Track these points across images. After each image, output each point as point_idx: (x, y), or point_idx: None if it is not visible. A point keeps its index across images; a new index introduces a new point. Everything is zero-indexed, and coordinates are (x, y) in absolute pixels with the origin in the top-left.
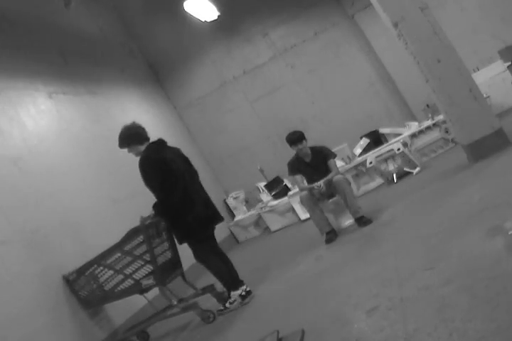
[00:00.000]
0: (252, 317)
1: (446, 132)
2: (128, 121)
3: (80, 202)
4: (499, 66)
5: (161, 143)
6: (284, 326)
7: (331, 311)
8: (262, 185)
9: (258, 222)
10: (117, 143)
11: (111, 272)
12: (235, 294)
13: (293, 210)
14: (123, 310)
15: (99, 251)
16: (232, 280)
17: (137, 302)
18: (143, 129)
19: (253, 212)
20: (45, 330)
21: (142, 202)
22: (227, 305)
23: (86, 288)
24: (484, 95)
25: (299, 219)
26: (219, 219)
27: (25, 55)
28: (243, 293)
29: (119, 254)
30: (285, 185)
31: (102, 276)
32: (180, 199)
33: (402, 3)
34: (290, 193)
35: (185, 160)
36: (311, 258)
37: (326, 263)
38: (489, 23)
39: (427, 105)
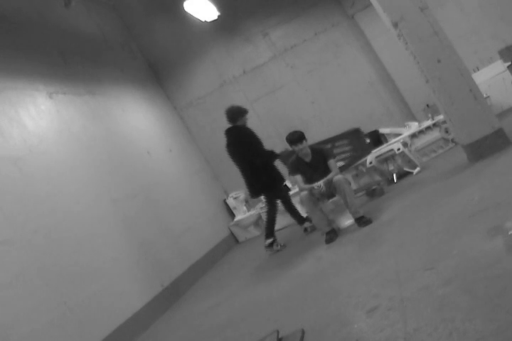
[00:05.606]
0: (252, 317)
1: (446, 132)
2: (128, 120)
3: (79, 202)
4: (499, 66)
5: None
6: (284, 326)
7: (331, 311)
8: None
9: (258, 222)
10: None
11: None
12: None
13: None
14: (122, 310)
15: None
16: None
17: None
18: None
19: (253, 212)
20: (46, 330)
21: (142, 202)
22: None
23: None
24: (484, 95)
25: None
26: None
27: (25, 55)
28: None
29: None
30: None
31: None
32: None
33: (402, 3)
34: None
35: None
36: (311, 258)
37: (326, 263)
38: (489, 23)
39: (427, 105)
